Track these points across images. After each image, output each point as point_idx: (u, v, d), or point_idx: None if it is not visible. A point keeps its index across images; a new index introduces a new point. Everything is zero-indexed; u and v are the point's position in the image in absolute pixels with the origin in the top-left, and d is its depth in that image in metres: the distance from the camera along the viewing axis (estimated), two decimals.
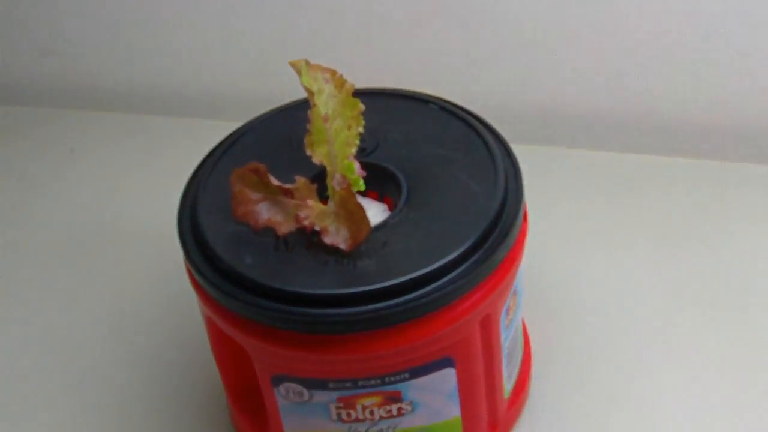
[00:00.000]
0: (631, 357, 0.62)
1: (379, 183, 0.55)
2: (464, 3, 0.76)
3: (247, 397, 0.58)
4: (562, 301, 0.66)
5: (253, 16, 0.80)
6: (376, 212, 0.54)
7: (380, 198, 0.55)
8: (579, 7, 0.74)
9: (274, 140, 0.57)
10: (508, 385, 0.57)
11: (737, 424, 0.58)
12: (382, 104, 0.57)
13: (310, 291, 0.48)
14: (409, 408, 0.52)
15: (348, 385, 0.51)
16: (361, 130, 0.52)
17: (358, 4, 0.78)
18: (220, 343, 0.56)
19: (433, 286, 0.48)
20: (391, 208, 0.54)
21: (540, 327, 0.64)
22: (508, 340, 0.55)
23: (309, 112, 0.51)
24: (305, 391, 0.52)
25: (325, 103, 0.52)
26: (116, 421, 0.63)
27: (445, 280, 0.49)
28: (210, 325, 0.55)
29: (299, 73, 0.51)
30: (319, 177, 0.53)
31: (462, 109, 0.58)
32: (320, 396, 0.52)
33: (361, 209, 0.50)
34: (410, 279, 0.48)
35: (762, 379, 0.60)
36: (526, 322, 0.62)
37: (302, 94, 0.53)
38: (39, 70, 0.87)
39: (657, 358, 0.62)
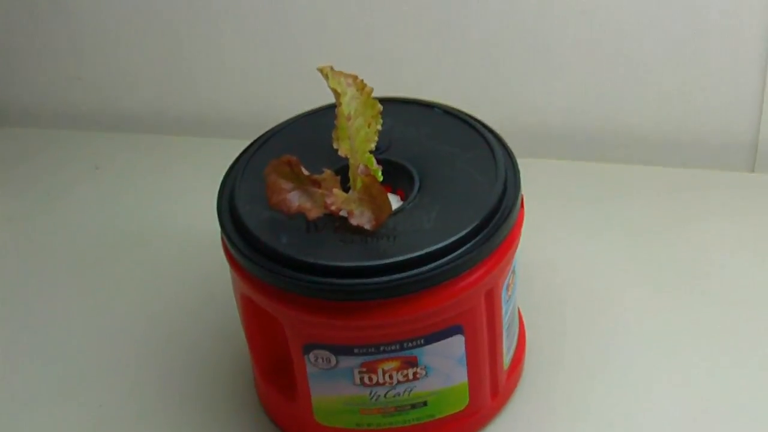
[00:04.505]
0: (614, 334, 0.69)
1: (392, 177, 0.61)
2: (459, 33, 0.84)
3: (274, 371, 0.64)
4: (550, 291, 0.73)
5: (267, 40, 0.87)
6: (392, 202, 0.60)
7: (393, 191, 0.62)
8: (560, 31, 0.82)
9: (299, 140, 0.63)
10: (507, 356, 0.64)
11: (718, 386, 0.66)
12: (391, 110, 0.63)
13: (339, 263, 0.55)
14: (424, 372, 0.59)
15: (371, 350, 0.58)
16: (379, 127, 0.59)
17: (369, 31, 0.86)
18: (253, 321, 0.62)
19: (445, 259, 0.55)
20: (404, 199, 0.61)
21: (531, 312, 0.71)
22: (507, 314, 0.62)
23: (336, 110, 0.58)
24: (333, 357, 0.58)
25: (348, 104, 0.58)
26: (144, 398, 0.68)
27: (455, 254, 0.56)
28: (245, 303, 0.61)
29: (326, 77, 0.58)
30: (340, 171, 0.60)
31: (462, 112, 0.65)
32: (346, 362, 0.58)
33: (383, 193, 0.57)
34: (425, 253, 0.55)
35: (734, 345, 0.68)
36: (520, 309, 0.69)
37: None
38: (66, 95, 0.93)
39: (638, 333, 0.69)
